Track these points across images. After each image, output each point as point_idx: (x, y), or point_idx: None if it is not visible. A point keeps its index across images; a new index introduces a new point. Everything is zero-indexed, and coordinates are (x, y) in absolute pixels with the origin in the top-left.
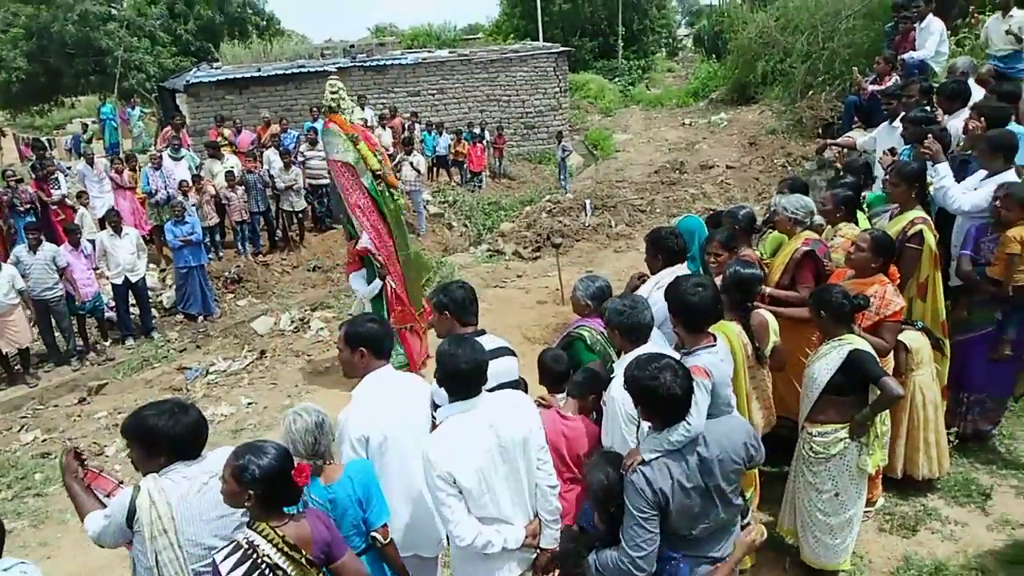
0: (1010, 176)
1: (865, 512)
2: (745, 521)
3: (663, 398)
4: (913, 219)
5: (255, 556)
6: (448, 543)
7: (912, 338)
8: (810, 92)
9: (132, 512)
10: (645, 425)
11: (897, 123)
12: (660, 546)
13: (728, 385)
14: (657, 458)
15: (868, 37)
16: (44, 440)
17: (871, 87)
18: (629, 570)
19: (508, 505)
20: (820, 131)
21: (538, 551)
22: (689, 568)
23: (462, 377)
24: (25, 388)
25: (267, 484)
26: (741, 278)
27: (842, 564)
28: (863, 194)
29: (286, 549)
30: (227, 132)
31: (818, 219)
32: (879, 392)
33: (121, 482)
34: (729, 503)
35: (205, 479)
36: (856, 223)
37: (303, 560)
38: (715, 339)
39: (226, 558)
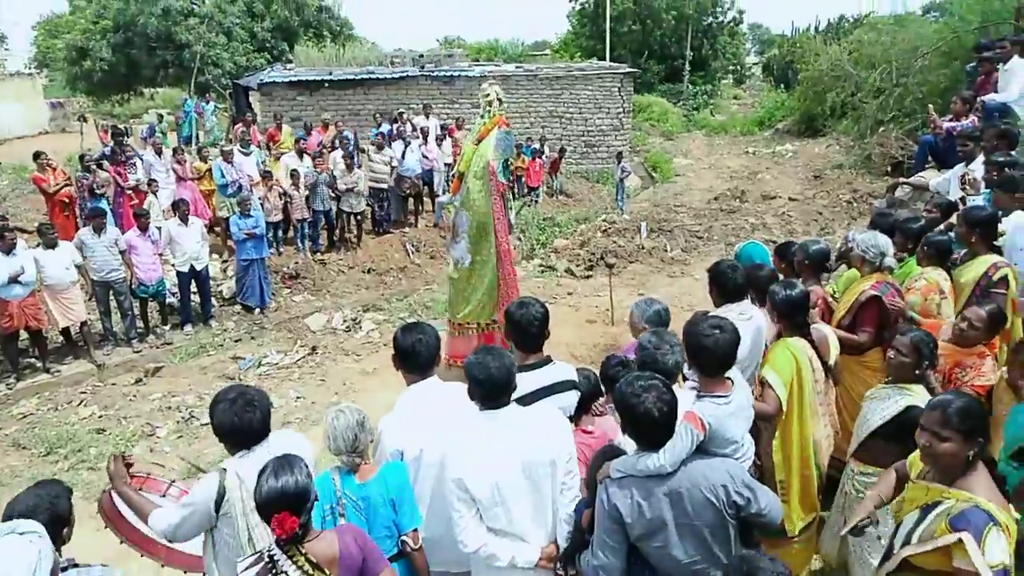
0: None
1: None
2: None
3: (640, 416)
4: (996, 263)
5: (274, 572)
6: None
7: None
8: (881, 129)
9: (222, 495)
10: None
11: (974, 165)
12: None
13: (736, 441)
14: (622, 478)
15: (945, 76)
16: (100, 416)
17: (947, 125)
18: (590, 574)
19: (527, 523)
20: (889, 169)
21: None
22: None
23: (492, 385)
24: (86, 364)
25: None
26: (791, 300)
27: None
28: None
29: (308, 569)
30: (288, 130)
31: (889, 261)
32: None
33: (173, 481)
34: (707, 549)
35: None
36: (944, 268)
37: None
38: (732, 385)
39: (247, 568)
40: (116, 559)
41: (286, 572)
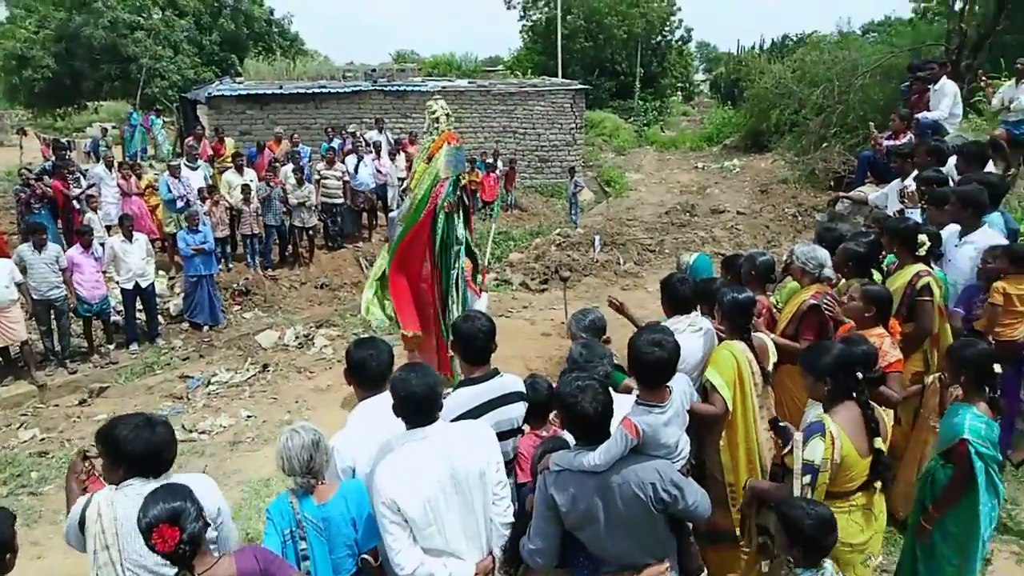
0: (994, 238)
1: None
2: None
3: (576, 414)
4: (918, 272)
5: None
6: None
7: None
8: (823, 144)
9: (82, 521)
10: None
11: (909, 181)
12: (584, 558)
13: (667, 447)
14: (560, 471)
15: (883, 94)
16: (43, 439)
17: (886, 143)
18: (527, 557)
19: (460, 539)
20: (832, 184)
21: None
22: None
23: (415, 402)
24: (27, 385)
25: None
26: (738, 303)
27: None
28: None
29: None
30: (231, 143)
31: (827, 272)
32: None
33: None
34: (636, 540)
35: None
36: (872, 280)
37: None
38: (670, 394)
39: None
40: None
41: None
